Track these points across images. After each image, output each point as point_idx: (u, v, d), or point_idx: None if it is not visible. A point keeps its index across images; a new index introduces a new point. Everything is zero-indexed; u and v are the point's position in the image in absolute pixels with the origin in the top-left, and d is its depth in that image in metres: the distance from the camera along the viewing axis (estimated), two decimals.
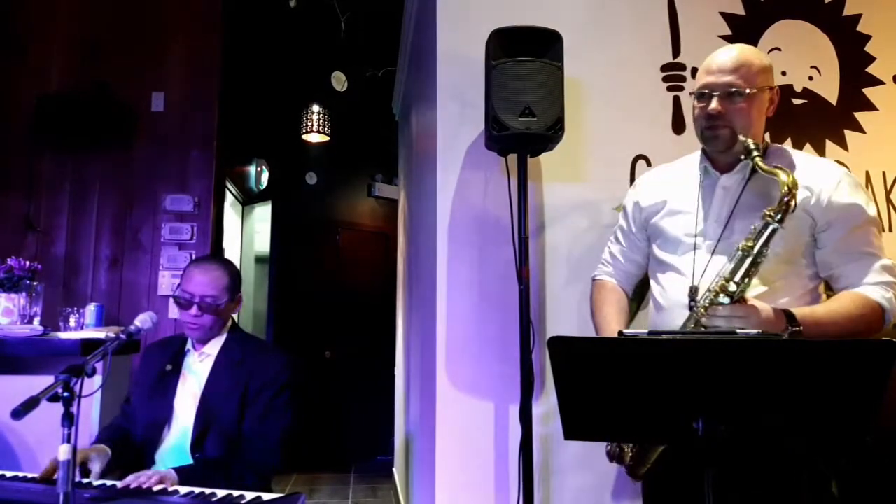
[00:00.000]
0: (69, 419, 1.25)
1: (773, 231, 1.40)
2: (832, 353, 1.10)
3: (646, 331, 1.19)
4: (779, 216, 1.40)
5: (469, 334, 2.17)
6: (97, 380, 1.81)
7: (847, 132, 2.51)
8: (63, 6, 3.79)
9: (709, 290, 1.45)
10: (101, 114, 3.60)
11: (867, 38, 2.56)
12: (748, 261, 1.41)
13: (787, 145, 2.14)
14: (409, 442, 3.58)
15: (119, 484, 1.57)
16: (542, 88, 1.91)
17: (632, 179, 2.29)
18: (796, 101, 2.49)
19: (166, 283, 3.59)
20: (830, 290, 1.60)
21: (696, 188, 1.64)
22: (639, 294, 1.88)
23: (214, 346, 2.00)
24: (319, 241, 5.55)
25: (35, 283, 2.63)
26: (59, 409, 1.26)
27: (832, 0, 2.55)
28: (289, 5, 4.82)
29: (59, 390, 1.27)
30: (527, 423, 1.91)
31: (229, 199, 5.02)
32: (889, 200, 2.51)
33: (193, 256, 3.59)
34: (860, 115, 2.52)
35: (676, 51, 2.40)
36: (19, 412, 1.21)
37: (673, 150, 1.90)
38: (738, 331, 1.17)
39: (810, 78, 2.51)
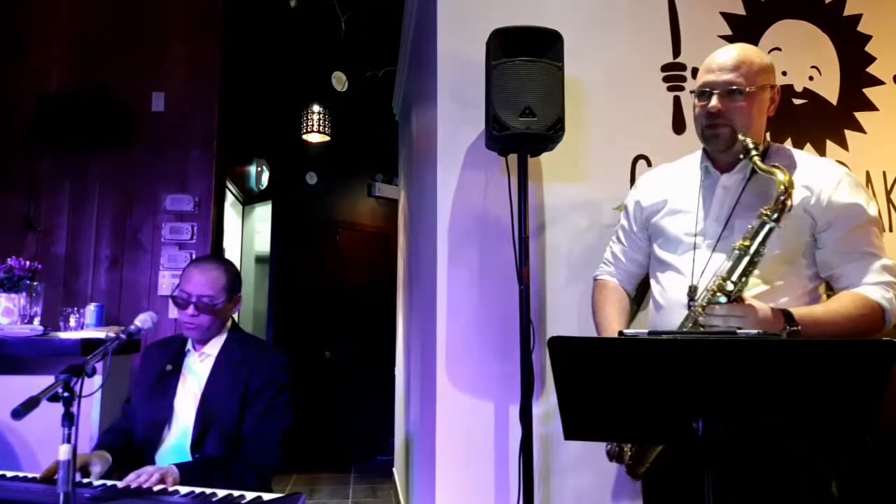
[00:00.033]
0: (69, 419, 1.25)
1: (770, 230, 1.40)
2: (832, 353, 1.09)
3: (646, 331, 1.19)
4: (775, 215, 1.40)
5: (469, 334, 2.17)
6: (97, 380, 1.81)
7: (847, 132, 2.51)
8: (63, 6, 3.79)
9: (707, 289, 1.45)
10: (101, 114, 3.60)
11: (867, 38, 2.56)
12: (745, 260, 1.41)
13: (788, 145, 2.14)
14: (409, 442, 3.58)
15: (119, 484, 1.57)
16: (542, 88, 1.91)
17: (632, 179, 2.29)
18: (797, 101, 2.49)
19: (166, 283, 3.59)
20: (831, 290, 1.60)
21: (696, 188, 1.64)
22: (639, 294, 1.88)
23: (214, 346, 2.00)
24: (319, 241, 5.55)
25: (35, 283, 2.63)
26: (59, 409, 1.26)
27: (832, 0, 2.55)
28: (289, 5, 4.82)
29: (59, 390, 1.27)
30: (527, 423, 1.91)
31: (229, 199, 5.02)
32: (889, 200, 2.51)
33: (193, 256, 3.59)
34: (860, 115, 2.52)
35: (676, 51, 2.40)
36: (19, 412, 1.21)
37: (673, 150, 1.90)
38: (739, 331, 1.17)
39: (811, 78, 2.51)
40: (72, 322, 2.79)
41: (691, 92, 1.63)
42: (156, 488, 1.54)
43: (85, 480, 1.62)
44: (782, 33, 2.49)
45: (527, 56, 1.92)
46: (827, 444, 1.45)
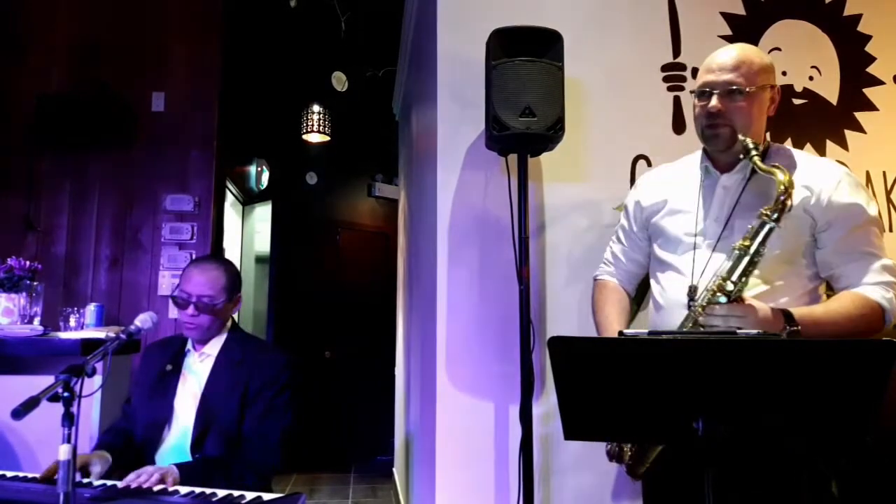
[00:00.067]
0: (69, 419, 1.25)
1: (770, 230, 1.40)
2: (832, 353, 1.09)
3: (646, 331, 1.19)
4: (775, 215, 1.40)
5: (469, 334, 2.17)
6: (97, 380, 1.81)
7: (847, 132, 2.51)
8: (63, 6, 3.79)
9: (707, 289, 1.45)
10: (101, 114, 3.60)
11: (867, 38, 2.56)
12: (745, 260, 1.41)
13: (788, 145, 2.14)
14: (409, 442, 3.58)
15: (119, 484, 1.57)
16: (542, 88, 1.91)
17: (632, 179, 2.29)
18: (797, 101, 2.49)
19: (166, 283, 3.59)
20: (831, 290, 1.60)
21: (696, 188, 1.64)
22: (639, 294, 1.88)
23: (214, 346, 2.00)
24: (319, 241, 5.55)
25: (35, 283, 2.63)
26: (59, 409, 1.26)
27: (832, 0, 2.55)
28: (289, 5, 4.82)
29: (59, 390, 1.27)
30: (527, 423, 1.91)
31: (229, 199, 5.02)
32: (889, 200, 2.51)
33: (193, 256, 3.59)
34: (860, 115, 2.52)
35: (676, 51, 2.40)
36: (19, 412, 1.21)
37: (673, 150, 1.90)
38: (738, 331, 1.17)
39: (811, 78, 2.51)
40: (72, 322, 2.79)
41: (691, 92, 1.63)
42: (156, 488, 1.54)
43: (85, 480, 1.62)
44: (782, 33, 2.49)
45: (527, 56, 1.92)
46: (827, 444, 1.45)
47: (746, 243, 1.41)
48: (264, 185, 5.48)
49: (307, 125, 5.34)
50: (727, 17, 2.45)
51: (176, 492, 1.53)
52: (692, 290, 1.50)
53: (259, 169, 5.45)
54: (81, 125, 3.57)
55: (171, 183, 3.72)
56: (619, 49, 2.36)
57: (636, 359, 1.15)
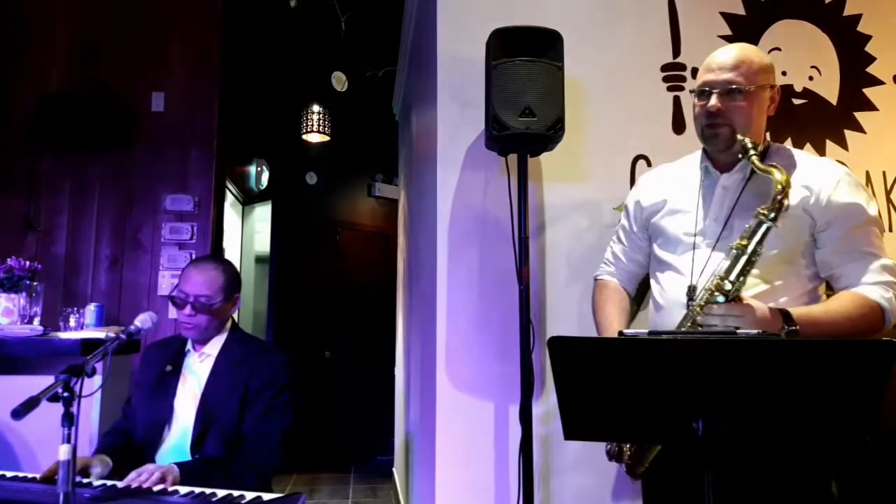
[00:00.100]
0: (69, 419, 1.25)
1: (768, 230, 1.40)
2: (832, 353, 1.09)
3: (646, 331, 1.19)
4: (772, 215, 1.40)
5: (469, 334, 2.17)
6: (97, 380, 1.81)
7: (847, 132, 2.51)
8: (63, 6, 3.79)
9: (705, 288, 1.45)
10: (101, 114, 3.60)
11: (867, 38, 2.56)
12: (743, 259, 1.41)
13: (788, 145, 2.14)
14: (409, 442, 3.58)
15: (120, 484, 1.57)
16: (542, 88, 1.91)
17: (632, 179, 2.29)
18: (796, 101, 2.49)
19: (166, 283, 3.59)
20: (831, 290, 1.59)
21: (696, 188, 1.64)
22: (639, 294, 1.88)
23: (214, 347, 2.00)
24: (319, 241, 5.55)
25: (35, 283, 2.63)
26: (59, 409, 1.26)
27: (832, 0, 2.55)
28: (289, 5, 4.82)
29: (59, 390, 1.27)
30: (527, 423, 1.91)
31: (229, 199, 5.02)
32: (889, 200, 2.51)
33: (193, 256, 3.59)
34: (860, 115, 2.52)
35: (676, 51, 2.40)
36: (19, 412, 1.21)
37: (673, 150, 1.90)
38: (738, 331, 1.17)
39: (810, 78, 2.51)
40: (72, 322, 2.79)
41: (691, 91, 1.63)
42: (155, 488, 1.55)
43: (84, 481, 1.62)
44: (782, 33, 2.49)
45: (527, 56, 1.92)
46: (827, 444, 1.45)
47: (744, 243, 1.41)
48: (264, 185, 5.48)
49: (307, 125, 5.34)
50: (727, 17, 2.45)
51: (176, 492, 1.53)
52: (691, 290, 1.50)
53: (259, 169, 5.45)
54: (81, 125, 3.57)
55: (171, 183, 3.72)
56: (619, 49, 2.36)
57: (636, 359, 1.15)
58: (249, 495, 1.49)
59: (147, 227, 3.69)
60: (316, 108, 5.34)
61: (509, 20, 2.03)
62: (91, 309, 2.92)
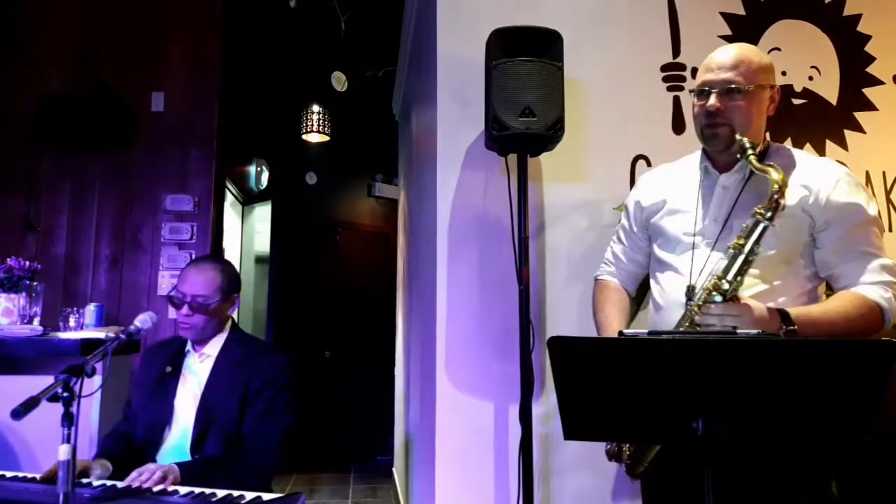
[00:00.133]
0: (69, 419, 1.25)
1: (764, 229, 1.40)
2: (832, 353, 1.09)
3: (646, 331, 1.18)
4: (769, 214, 1.39)
5: (469, 334, 2.17)
6: (97, 380, 1.81)
7: (847, 132, 2.51)
8: (63, 6, 3.79)
9: (703, 288, 1.45)
10: (101, 114, 3.60)
11: (867, 38, 2.56)
12: (740, 259, 1.41)
13: (787, 145, 2.14)
14: (409, 442, 3.58)
15: (120, 484, 1.57)
16: (542, 88, 1.91)
17: (632, 179, 2.29)
18: (796, 101, 2.49)
19: (166, 283, 3.59)
20: (831, 291, 1.59)
21: (696, 188, 1.64)
22: (639, 294, 1.88)
23: (214, 347, 2.00)
24: (319, 241, 5.55)
25: (35, 283, 2.63)
26: (59, 409, 1.26)
27: (832, 0, 2.55)
28: (289, 5, 4.82)
29: (59, 390, 1.27)
30: (527, 423, 1.91)
31: (229, 199, 5.02)
32: (889, 200, 2.51)
33: (193, 256, 3.59)
34: (860, 115, 2.52)
35: (676, 51, 2.40)
36: (19, 412, 1.21)
37: (673, 150, 1.90)
38: (739, 331, 1.17)
39: (810, 78, 2.51)
40: (71, 322, 2.79)
41: (690, 91, 1.63)
42: (155, 488, 1.55)
43: (84, 481, 1.62)
44: (782, 33, 2.49)
45: (527, 56, 1.92)
46: (827, 444, 1.45)
47: (741, 242, 1.41)
48: (264, 185, 5.48)
49: (307, 125, 5.34)
50: (727, 17, 2.45)
51: (175, 492, 1.53)
52: (690, 290, 1.50)
53: (259, 169, 5.45)
54: (81, 125, 3.57)
55: (171, 183, 3.72)
56: (619, 49, 2.36)
57: (636, 359, 1.15)
58: (249, 495, 1.49)
59: (147, 227, 3.69)
60: (316, 108, 5.34)
61: (509, 20, 2.03)
62: (91, 309, 2.92)
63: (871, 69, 2.55)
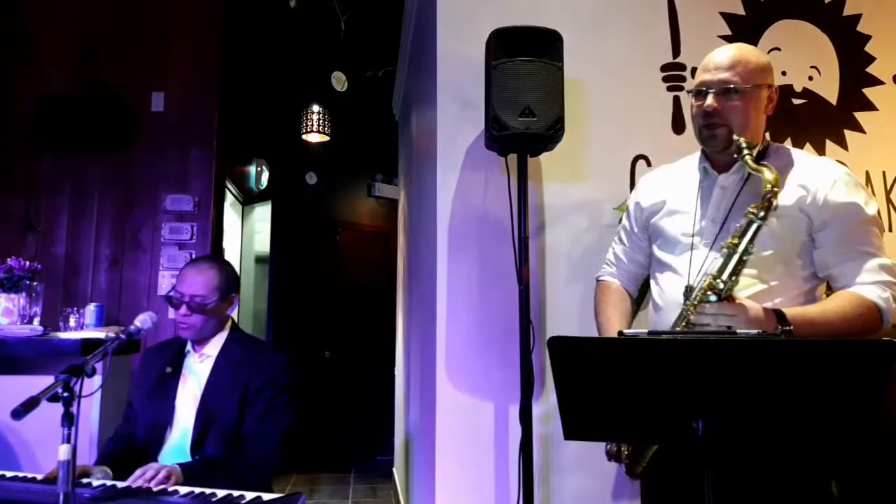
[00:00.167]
0: (69, 419, 1.25)
1: (758, 228, 1.40)
2: (832, 353, 1.09)
3: (646, 331, 1.18)
4: (762, 213, 1.39)
5: (469, 334, 2.17)
6: (97, 380, 1.82)
7: (847, 132, 2.51)
8: (63, 6, 3.79)
9: (699, 287, 1.45)
10: (101, 114, 3.60)
11: (867, 38, 2.56)
12: (735, 258, 1.40)
13: (787, 145, 2.14)
14: (409, 442, 3.58)
15: (120, 484, 1.57)
16: (542, 88, 1.91)
17: (632, 179, 2.29)
18: (796, 101, 2.49)
19: (166, 283, 3.59)
20: (831, 291, 1.59)
21: (695, 188, 1.64)
22: (639, 294, 1.88)
23: (214, 347, 2.00)
24: (319, 241, 5.55)
25: (35, 283, 2.63)
26: (59, 409, 1.26)
27: (832, 0, 2.55)
28: (289, 5, 4.82)
29: (59, 390, 1.27)
30: (527, 423, 1.91)
31: (229, 199, 5.02)
32: (889, 200, 2.51)
33: (193, 256, 3.59)
34: (860, 115, 2.52)
35: (676, 51, 2.40)
36: (19, 412, 1.21)
37: (673, 150, 1.90)
38: (739, 331, 1.17)
39: (810, 78, 2.51)
40: (71, 322, 2.79)
41: (688, 92, 1.63)
42: (156, 488, 1.55)
43: (84, 480, 1.62)
44: (782, 33, 2.49)
45: (527, 56, 1.92)
46: (827, 444, 1.45)
47: (735, 241, 1.41)
48: (264, 185, 5.48)
49: (307, 125, 5.34)
50: (727, 17, 2.45)
51: (176, 492, 1.53)
52: (688, 290, 1.50)
53: (259, 169, 5.45)
54: (81, 125, 3.57)
55: (171, 183, 3.72)
56: (619, 49, 2.36)
57: (636, 359, 1.15)
58: (249, 495, 1.49)
59: (147, 227, 3.69)
60: (316, 108, 5.34)
61: (509, 20, 2.03)
62: (91, 309, 2.92)
63: (871, 69, 2.55)
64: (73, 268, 3.63)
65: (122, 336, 1.62)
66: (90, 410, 2.37)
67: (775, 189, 1.40)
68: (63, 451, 1.24)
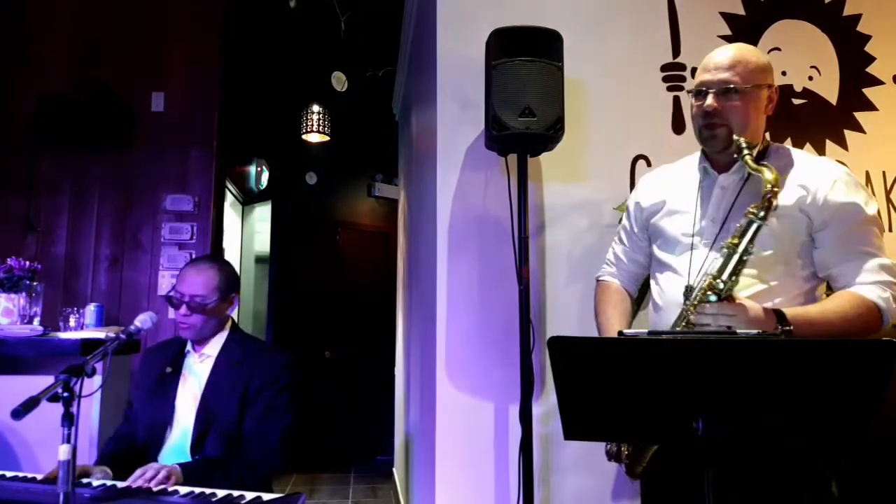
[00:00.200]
0: (69, 419, 1.26)
1: (758, 228, 1.40)
2: (833, 353, 1.09)
3: (646, 331, 1.18)
4: (762, 213, 1.39)
5: (469, 334, 2.17)
6: (97, 380, 1.81)
7: (847, 132, 2.51)
8: (63, 6, 3.79)
9: (699, 287, 1.45)
10: (101, 114, 3.60)
11: (867, 38, 2.56)
12: (734, 258, 1.40)
13: (787, 145, 2.14)
14: (409, 442, 3.58)
15: (120, 484, 1.57)
16: (542, 88, 1.91)
17: (632, 179, 2.29)
18: (796, 101, 2.49)
19: (166, 283, 3.59)
20: (831, 291, 1.59)
21: (695, 188, 1.64)
22: (639, 294, 1.88)
23: (214, 347, 2.00)
24: (319, 241, 5.55)
25: (35, 283, 2.63)
26: (59, 409, 1.26)
27: (832, 0, 2.55)
28: (289, 5, 4.82)
29: (59, 390, 1.27)
30: (527, 423, 1.91)
31: (229, 199, 5.02)
32: (889, 200, 2.51)
33: (193, 256, 3.59)
34: (860, 115, 2.52)
35: (676, 51, 2.40)
36: (19, 412, 1.21)
37: (673, 150, 1.90)
38: (739, 331, 1.17)
39: (810, 78, 2.51)
40: (72, 322, 2.79)
41: (688, 92, 1.63)
42: (156, 488, 1.55)
43: (84, 480, 1.62)
44: (782, 33, 2.49)
45: (527, 56, 1.92)
46: (827, 444, 1.45)
47: (735, 241, 1.41)
48: (264, 185, 5.48)
49: (307, 125, 5.34)
50: (727, 17, 2.45)
51: (175, 492, 1.53)
52: (688, 291, 1.50)
53: (259, 169, 5.45)
54: (81, 125, 3.57)
55: (171, 183, 3.72)
56: (619, 49, 2.36)
57: (636, 359, 1.15)
58: (249, 495, 1.49)
59: (147, 227, 3.69)
60: (316, 108, 5.34)
61: (509, 20, 2.03)
62: (91, 309, 2.92)
63: (871, 69, 2.55)
64: (73, 268, 3.63)
65: (122, 336, 1.62)
66: (90, 410, 2.37)
67: (775, 189, 1.40)
68: (63, 451, 1.24)
